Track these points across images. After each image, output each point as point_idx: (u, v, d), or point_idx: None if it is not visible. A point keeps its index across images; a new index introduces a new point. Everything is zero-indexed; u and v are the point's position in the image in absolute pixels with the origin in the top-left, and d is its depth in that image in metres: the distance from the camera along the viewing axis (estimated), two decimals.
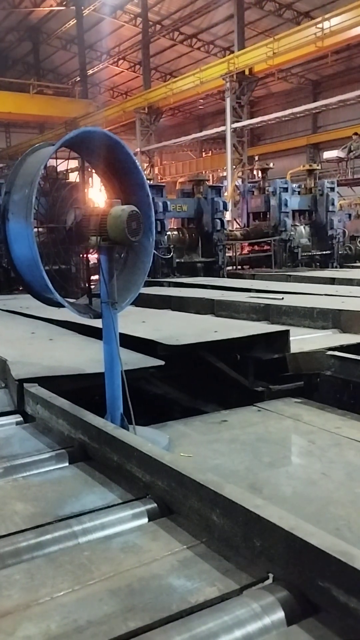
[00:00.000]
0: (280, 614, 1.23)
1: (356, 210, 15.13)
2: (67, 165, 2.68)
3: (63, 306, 2.48)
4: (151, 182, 13.84)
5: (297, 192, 12.96)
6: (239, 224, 13.79)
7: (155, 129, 26.47)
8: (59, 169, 2.85)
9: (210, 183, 14.64)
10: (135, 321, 4.24)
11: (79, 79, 31.74)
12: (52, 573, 1.42)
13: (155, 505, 1.75)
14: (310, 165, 14.18)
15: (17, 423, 2.69)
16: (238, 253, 12.86)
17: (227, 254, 12.01)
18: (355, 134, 21.91)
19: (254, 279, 9.71)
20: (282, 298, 5.38)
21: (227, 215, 12.79)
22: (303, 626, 1.21)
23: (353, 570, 1.15)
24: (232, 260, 12.51)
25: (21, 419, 2.72)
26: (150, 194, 2.70)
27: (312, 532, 1.30)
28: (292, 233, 12.43)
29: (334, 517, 1.88)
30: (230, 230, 12.62)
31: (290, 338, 3.53)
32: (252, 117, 23.95)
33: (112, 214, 2.35)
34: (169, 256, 10.67)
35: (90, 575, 1.41)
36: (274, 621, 1.21)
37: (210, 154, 32.06)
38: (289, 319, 4.74)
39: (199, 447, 2.64)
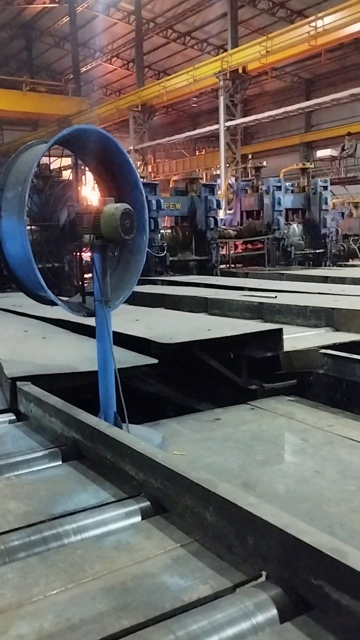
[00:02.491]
0: (273, 612, 1.23)
1: (349, 208, 15.16)
2: (61, 163, 2.67)
3: (56, 304, 2.47)
4: (144, 180, 13.84)
5: (290, 191, 12.97)
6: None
7: (148, 127, 26.45)
8: (52, 166, 2.84)
9: (204, 181, 14.62)
10: (128, 319, 4.23)
11: (72, 76, 31.65)
12: (45, 572, 1.42)
13: (149, 503, 1.75)
14: (303, 164, 14.20)
15: (10, 421, 2.68)
16: (231, 251, 12.88)
17: (220, 252, 12.02)
18: (348, 133, 21.98)
19: (247, 277, 9.72)
20: (276, 296, 5.38)
21: (221, 214, 12.79)
22: (296, 623, 1.21)
23: (345, 568, 1.16)
24: (226, 259, 12.51)
25: (14, 417, 2.71)
26: (143, 192, 2.70)
27: (305, 530, 1.30)
28: (285, 231, 12.45)
29: (326, 515, 1.89)
30: (223, 229, 12.63)
31: (284, 336, 3.54)
32: (245, 116, 23.98)
33: (105, 212, 2.34)
34: (163, 254, 10.66)
35: (83, 574, 1.41)
36: (267, 619, 1.21)
37: (203, 152, 32.05)
38: (282, 318, 4.74)
39: (193, 446, 2.64)
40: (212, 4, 25.95)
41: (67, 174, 2.71)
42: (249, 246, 13.00)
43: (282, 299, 5.16)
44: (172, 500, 1.70)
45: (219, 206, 11.75)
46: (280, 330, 3.56)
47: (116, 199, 2.48)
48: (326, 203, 13.00)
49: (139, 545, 1.54)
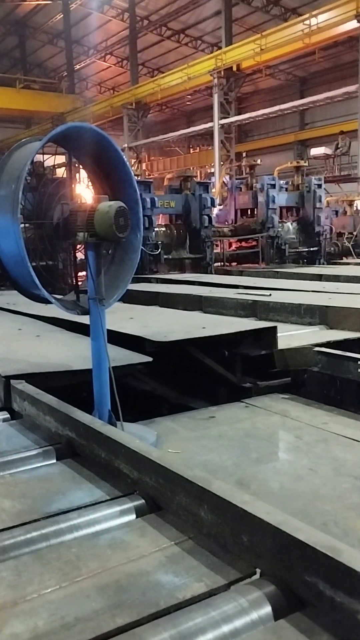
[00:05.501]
0: (267, 609, 1.23)
1: (343, 206, 15.19)
2: (54, 160, 2.66)
3: (50, 302, 2.47)
4: (139, 178, 13.82)
5: (284, 189, 13.00)
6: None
7: (142, 125, 26.43)
8: (46, 164, 2.83)
9: (198, 179, 14.61)
10: (123, 317, 4.23)
11: (66, 74, 31.56)
12: (40, 570, 1.42)
13: (143, 501, 1.75)
14: (297, 162, 14.22)
15: (4, 420, 2.67)
16: (226, 249, 12.88)
17: (214, 250, 12.02)
18: (341, 132, 21.99)
19: (241, 275, 9.72)
20: (270, 294, 5.39)
21: (214, 212, 12.80)
22: (290, 621, 1.21)
23: (339, 565, 1.16)
24: (220, 257, 12.52)
25: (8, 415, 2.70)
26: (137, 190, 2.69)
27: (299, 527, 1.30)
28: (279, 229, 12.47)
29: (320, 512, 1.90)
30: (218, 227, 12.63)
31: (278, 334, 3.54)
32: (239, 114, 24.02)
33: (99, 210, 2.34)
34: (157, 252, 10.66)
35: (78, 572, 1.41)
36: (261, 616, 1.21)
37: (198, 150, 32.02)
38: (277, 316, 4.75)
39: (187, 443, 2.65)
40: (206, 2, 25.90)
41: (61, 172, 2.70)
42: (243, 244, 13.01)
43: (276, 297, 5.16)
44: (166, 498, 1.70)
45: (213, 204, 11.75)
46: (275, 328, 3.57)
47: (110, 197, 2.48)
48: (320, 201, 13.03)
49: (134, 543, 1.54)
